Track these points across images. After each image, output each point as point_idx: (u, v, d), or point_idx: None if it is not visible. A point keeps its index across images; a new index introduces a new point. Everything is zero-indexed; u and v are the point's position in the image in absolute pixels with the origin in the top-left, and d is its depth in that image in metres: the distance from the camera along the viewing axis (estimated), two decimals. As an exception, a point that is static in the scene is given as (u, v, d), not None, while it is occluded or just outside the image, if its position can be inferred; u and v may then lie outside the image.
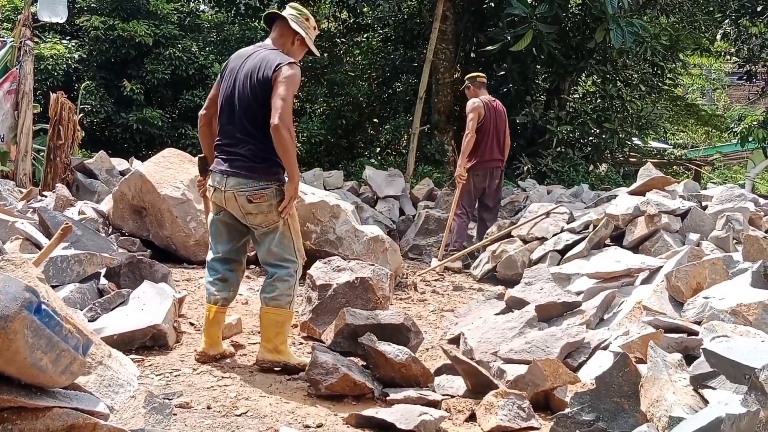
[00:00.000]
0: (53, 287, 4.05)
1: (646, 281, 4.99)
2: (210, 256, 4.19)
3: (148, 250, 6.57)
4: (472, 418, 3.48)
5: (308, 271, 4.79)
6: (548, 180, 11.71)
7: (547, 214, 7.42)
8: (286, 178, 3.97)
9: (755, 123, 14.20)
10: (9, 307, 2.01)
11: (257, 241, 4.12)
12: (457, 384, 3.91)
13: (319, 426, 3.32)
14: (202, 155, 4.30)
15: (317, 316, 4.66)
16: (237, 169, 3.95)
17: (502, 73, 13.13)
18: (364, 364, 3.91)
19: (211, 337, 4.13)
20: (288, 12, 4.17)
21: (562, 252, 6.71)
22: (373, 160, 12.61)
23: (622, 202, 6.62)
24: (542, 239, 7.12)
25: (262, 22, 15.20)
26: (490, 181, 8.18)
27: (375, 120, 15.22)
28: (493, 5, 13.29)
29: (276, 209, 3.94)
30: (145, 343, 4.16)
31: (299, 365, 4.02)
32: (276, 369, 4.04)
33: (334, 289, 4.64)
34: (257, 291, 4.88)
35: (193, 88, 13.10)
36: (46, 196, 7.62)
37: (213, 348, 4.13)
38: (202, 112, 4.27)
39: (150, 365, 3.93)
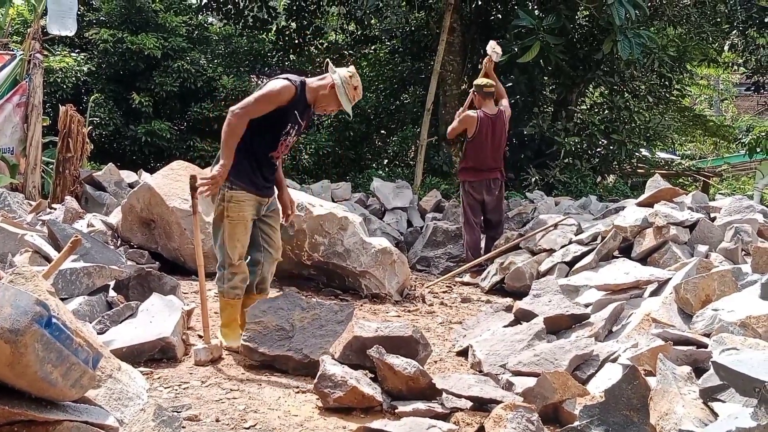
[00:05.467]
0: (62, 300, 4.07)
1: (655, 293, 4.97)
2: None
3: (157, 263, 6.59)
4: (480, 431, 3.46)
5: None
6: (556, 191, 11.68)
7: (555, 225, 7.41)
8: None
9: (763, 134, 14.16)
10: (20, 321, 2.02)
11: None
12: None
13: (328, 439, 3.33)
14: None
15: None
16: None
17: (510, 84, 13.11)
18: (373, 376, 3.90)
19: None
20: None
21: (571, 264, 6.70)
22: (380, 172, 12.60)
23: (631, 213, 6.61)
24: (550, 251, 7.11)
25: (270, 35, 15.41)
26: (487, 194, 8.06)
27: (383, 132, 15.23)
28: (500, 17, 13.33)
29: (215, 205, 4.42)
30: (154, 356, 4.17)
31: (222, 347, 4.46)
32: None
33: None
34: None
35: (201, 101, 13.15)
36: (55, 209, 7.66)
37: None
38: None
39: (159, 378, 3.93)
